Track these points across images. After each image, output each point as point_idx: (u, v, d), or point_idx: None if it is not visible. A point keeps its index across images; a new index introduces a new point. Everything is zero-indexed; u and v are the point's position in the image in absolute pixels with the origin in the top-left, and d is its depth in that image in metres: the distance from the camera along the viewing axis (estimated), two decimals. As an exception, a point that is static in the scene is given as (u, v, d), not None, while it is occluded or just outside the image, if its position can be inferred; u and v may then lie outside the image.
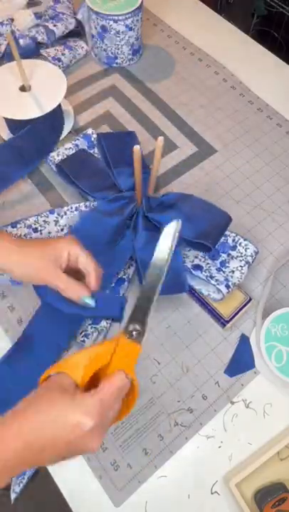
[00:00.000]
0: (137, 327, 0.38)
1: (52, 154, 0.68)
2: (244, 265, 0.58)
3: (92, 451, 0.35)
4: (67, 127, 0.73)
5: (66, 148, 0.68)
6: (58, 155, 0.68)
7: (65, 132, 0.73)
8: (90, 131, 0.70)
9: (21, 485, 0.50)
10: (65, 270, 0.48)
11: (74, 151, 0.68)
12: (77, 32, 0.86)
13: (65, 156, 0.67)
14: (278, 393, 0.55)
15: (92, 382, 0.37)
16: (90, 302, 0.47)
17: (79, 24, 0.84)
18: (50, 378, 0.36)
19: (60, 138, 0.72)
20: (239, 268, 0.58)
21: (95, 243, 0.57)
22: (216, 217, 0.59)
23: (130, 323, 0.38)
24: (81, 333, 0.55)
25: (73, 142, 0.69)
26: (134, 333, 0.38)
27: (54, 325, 0.55)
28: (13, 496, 0.49)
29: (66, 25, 0.83)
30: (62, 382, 0.36)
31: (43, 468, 0.49)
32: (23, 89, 0.67)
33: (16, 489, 0.50)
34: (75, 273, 0.49)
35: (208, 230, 0.57)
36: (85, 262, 0.48)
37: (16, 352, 0.54)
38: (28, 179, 0.70)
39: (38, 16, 0.82)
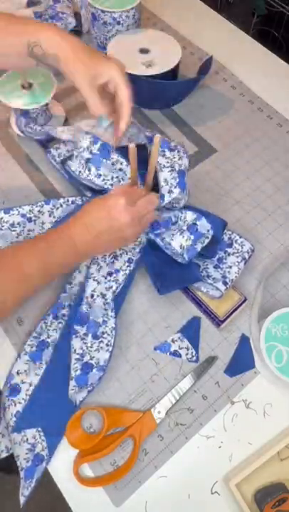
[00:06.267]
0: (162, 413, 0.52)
1: (53, 152, 0.68)
2: (241, 261, 0.58)
3: (129, 238, 0.52)
4: (57, 124, 0.74)
5: (68, 150, 0.68)
6: (59, 155, 0.68)
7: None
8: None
9: (30, 489, 0.49)
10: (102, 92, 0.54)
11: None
12: (77, 31, 0.86)
13: (67, 154, 0.67)
14: (278, 393, 0.55)
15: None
16: (104, 120, 0.54)
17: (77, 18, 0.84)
18: None
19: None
20: (236, 263, 0.58)
21: None
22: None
23: (159, 408, 0.52)
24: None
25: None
26: (158, 415, 0.52)
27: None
28: (22, 499, 0.48)
29: (66, 24, 0.83)
30: None
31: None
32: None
33: (24, 493, 0.49)
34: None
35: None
36: (122, 95, 0.53)
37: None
38: (29, 179, 0.70)
39: (38, 15, 0.82)
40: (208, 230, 0.56)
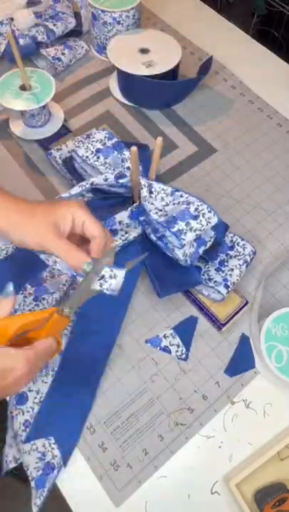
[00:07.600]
0: (66, 310, 0.43)
1: (54, 153, 0.68)
2: (242, 264, 0.58)
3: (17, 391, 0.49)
4: (56, 125, 0.75)
5: (69, 151, 0.68)
6: (60, 156, 0.68)
7: (54, 130, 0.74)
8: (93, 131, 0.70)
9: (42, 498, 0.48)
10: (69, 236, 0.46)
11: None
12: (77, 31, 0.86)
13: (67, 154, 0.67)
14: (278, 393, 0.55)
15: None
16: (88, 268, 0.44)
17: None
18: None
19: (50, 134, 0.74)
20: (238, 266, 0.58)
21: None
22: None
23: (63, 306, 0.43)
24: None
25: (76, 144, 0.69)
26: (65, 311, 0.43)
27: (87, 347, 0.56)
28: (34, 509, 0.48)
29: (66, 24, 0.83)
30: None
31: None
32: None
33: (37, 502, 0.48)
34: (80, 240, 0.47)
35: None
36: (91, 227, 0.45)
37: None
38: (29, 180, 0.70)
39: (37, 15, 0.82)
40: (211, 237, 0.56)
